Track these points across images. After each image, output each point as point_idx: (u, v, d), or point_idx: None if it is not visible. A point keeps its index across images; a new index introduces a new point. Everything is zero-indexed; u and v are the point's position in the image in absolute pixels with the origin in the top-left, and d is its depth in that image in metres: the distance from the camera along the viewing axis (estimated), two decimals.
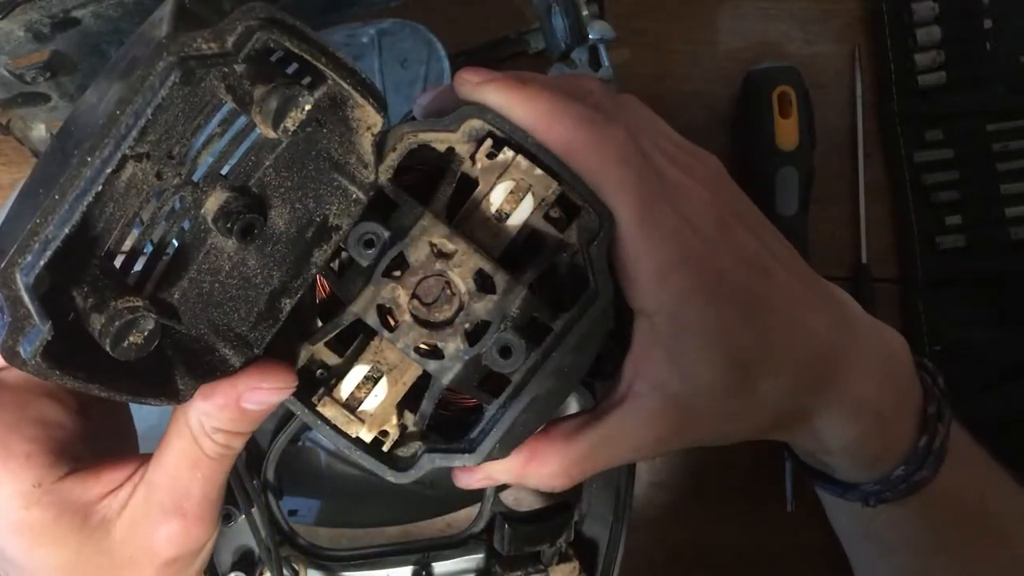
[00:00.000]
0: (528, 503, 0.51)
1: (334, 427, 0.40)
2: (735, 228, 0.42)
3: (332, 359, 0.40)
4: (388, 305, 0.39)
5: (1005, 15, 0.69)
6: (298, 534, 0.50)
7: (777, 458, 0.67)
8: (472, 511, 0.53)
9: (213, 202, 0.36)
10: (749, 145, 0.67)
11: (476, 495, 0.51)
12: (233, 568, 0.49)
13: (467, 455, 0.40)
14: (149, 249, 0.36)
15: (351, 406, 0.40)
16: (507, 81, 0.39)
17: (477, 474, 0.42)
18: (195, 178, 0.35)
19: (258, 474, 0.48)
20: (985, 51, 0.69)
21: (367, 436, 0.40)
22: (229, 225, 0.36)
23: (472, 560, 0.52)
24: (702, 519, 0.67)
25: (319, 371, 0.40)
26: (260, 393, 0.38)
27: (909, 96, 0.69)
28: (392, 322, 0.39)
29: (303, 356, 0.40)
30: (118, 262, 0.35)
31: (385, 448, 0.41)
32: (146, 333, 0.33)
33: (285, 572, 0.49)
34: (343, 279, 0.40)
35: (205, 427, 0.38)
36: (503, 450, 0.40)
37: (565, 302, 0.40)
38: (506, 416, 0.39)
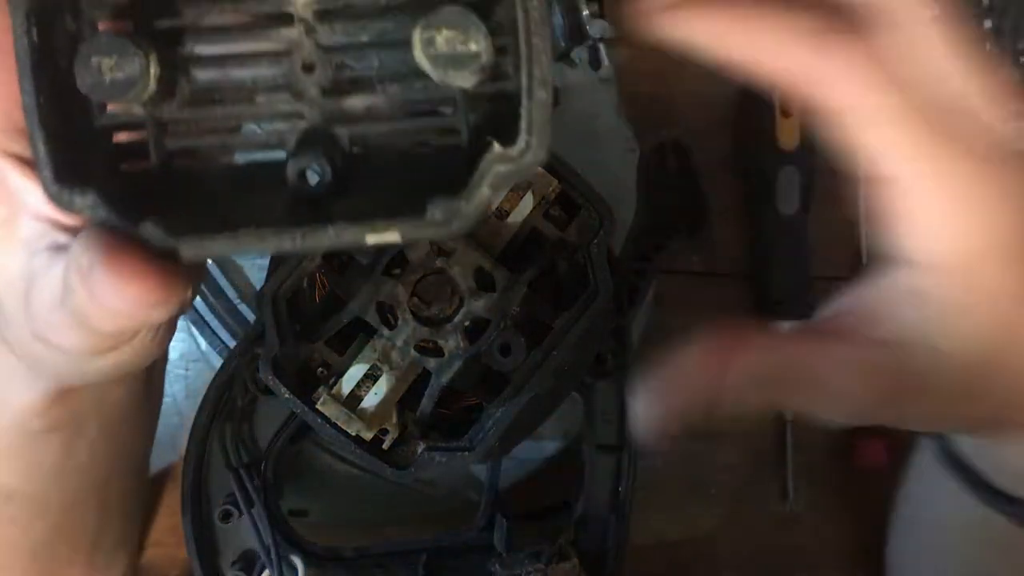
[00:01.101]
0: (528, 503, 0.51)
1: (334, 425, 0.40)
2: None
3: (332, 357, 0.40)
4: (388, 303, 0.39)
5: (1006, 16, 0.69)
6: (298, 534, 0.50)
7: (777, 458, 0.67)
8: (472, 509, 0.53)
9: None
10: (750, 145, 0.67)
11: (477, 494, 0.51)
12: (233, 568, 0.49)
13: (467, 454, 0.40)
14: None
15: (351, 404, 0.40)
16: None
17: None
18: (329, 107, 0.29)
19: (258, 474, 0.48)
20: (986, 52, 0.69)
21: (367, 434, 0.40)
22: (304, 158, 0.28)
23: (472, 558, 0.52)
24: (702, 519, 0.67)
25: (319, 369, 0.40)
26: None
27: None
28: (392, 320, 0.39)
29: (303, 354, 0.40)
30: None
31: (385, 446, 0.41)
32: (123, 73, 0.27)
33: (285, 572, 0.49)
34: (343, 277, 0.40)
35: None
36: (503, 449, 0.40)
37: (565, 301, 0.40)
38: (506, 415, 0.39)
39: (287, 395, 0.39)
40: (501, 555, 0.51)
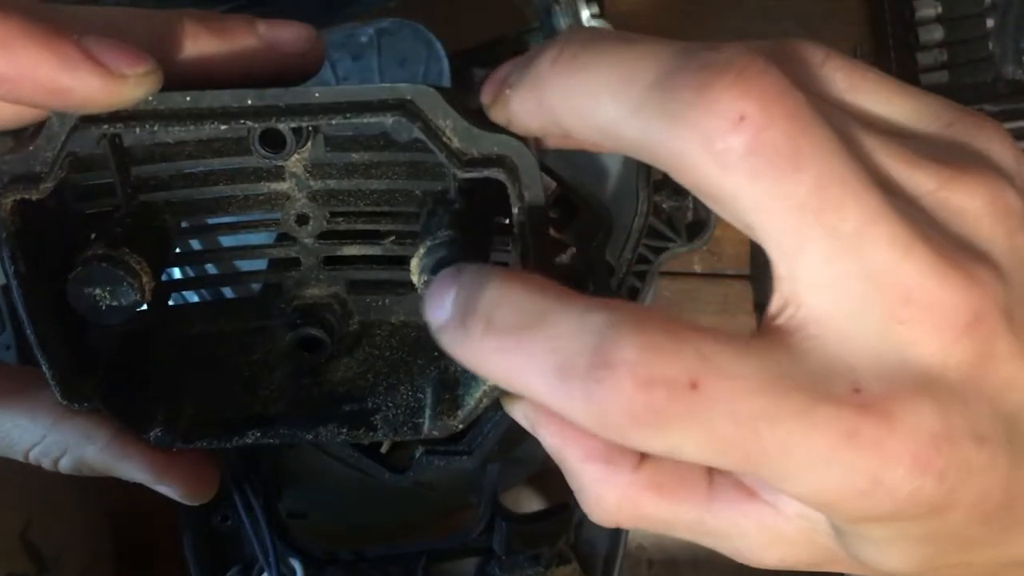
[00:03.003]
0: (527, 504, 0.51)
1: None
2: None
3: None
4: None
5: (1007, 15, 0.69)
6: (297, 536, 0.50)
7: None
8: (471, 513, 0.52)
9: (318, 291, 0.31)
10: None
11: (476, 497, 0.51)
12: (231, 569, 0.49)
13: (466, 457, 0.40)
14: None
15: None
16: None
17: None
18: (324, 256, 0.30)
19: (257, 474, 0.48)
20: (988, 50, 0.68)
21: None
22: (300, 322, 0.30)
23: (471, 562, 0.52)
24: None
25: None
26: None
27: None
28: None
29: None
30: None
31: (383, 450, 0.41)
32: (116, 302, 0.27)
33: (283, 574, 0.49)
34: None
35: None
36: (502, 452, 0.40)
37: None
38: (505, 418, 0.39)
39: None
40: (500, 558, 0.51)
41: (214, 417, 0.30)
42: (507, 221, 0.28)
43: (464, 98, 0.26)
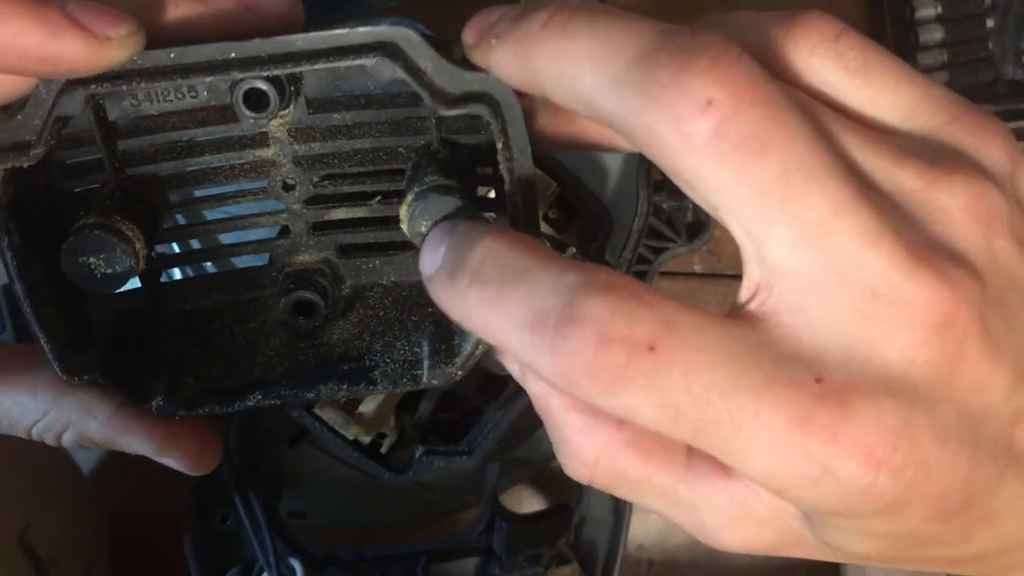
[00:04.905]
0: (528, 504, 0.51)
1: (331, 429, 0.40)
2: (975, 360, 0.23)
3: None
4: None
5: (1007, 15, 0.69)
6: (297, 536, 0.50)
7: None
8: (471, 513, 0.52)
9: (308, 257, 0.31)
10: None
11: (476, 497, 0.51)
12: (231, 569, 0.49)
13: (466, 457, 0.40)
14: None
15: (349, 408, 0.40)
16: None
17: None
18: (312, 222, 0.31)
19: (257, 475, 0.48)
20: (988, 51, 0.68)
21: (365, 438, 0.40)
22: (292, 286, 0.31)
23: (471, 562, 0.52)
24: None
25: None
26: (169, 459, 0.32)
27: None
28: None
29: None
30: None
31: (383, 450, 0.41)
32: (110, 270, 0.27)
33: (283, 574, 0.49)
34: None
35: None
36: (503, 452, 0.40)
37: None
38: (505, 418, 0.39)
39: None
40: (500, 558, 0.51)
41: (215, 385, 0.31)
42: (491, 171, 0.28)
43: (446, 47, 0.26)
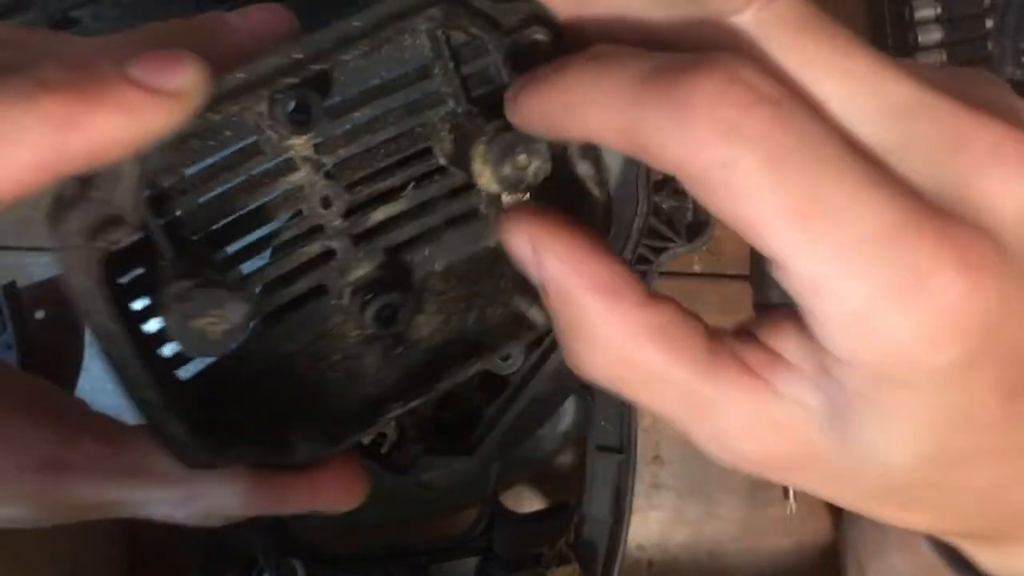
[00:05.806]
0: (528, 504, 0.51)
1: None
2: None
3: None
4: None
5: (1007, 15, 0.69)
6: (298, 537, 0.50)
7: None
8: (471, 513, 0.52)
9: (362, 271, 0.30)
10: None
11: (476, 497, 0.51)
12: (232, 569, 0.49)
13: (466, 457, 0.40)
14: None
15: None
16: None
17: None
18: (356, 231, 0.29)
19: None
20: (987, 51, 0.68)
21: (365, 439, 0.40)
22: (368, 298, 0.29)
23: (471, 562, 0.52)
24: (702, 521, 0.67)
25: None
26: (325, 501, 0.30)
27: None
28: None
29: None
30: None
31: (383, 451, 0.41)
32: (229, 324, 0.25)
33: (284, 575, 0.49)
34: None
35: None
36: (503, 452, 0.40)
37: None
38: (505, 418, 0.39)
39: None
40: (500, 558, 0.51)
41: (339, 418, 0.30)
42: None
43: None
